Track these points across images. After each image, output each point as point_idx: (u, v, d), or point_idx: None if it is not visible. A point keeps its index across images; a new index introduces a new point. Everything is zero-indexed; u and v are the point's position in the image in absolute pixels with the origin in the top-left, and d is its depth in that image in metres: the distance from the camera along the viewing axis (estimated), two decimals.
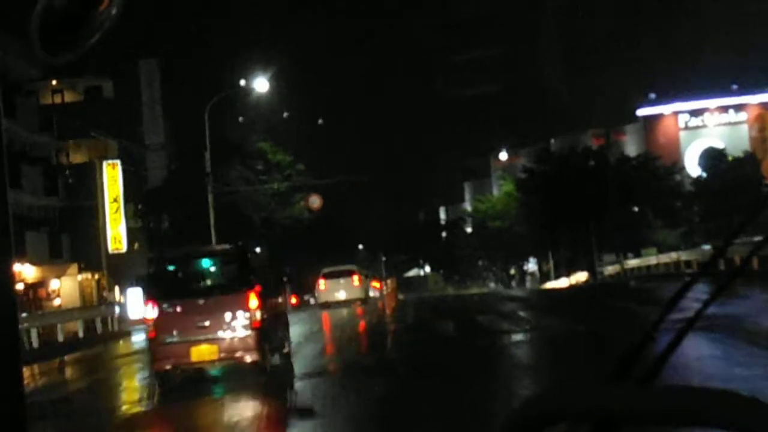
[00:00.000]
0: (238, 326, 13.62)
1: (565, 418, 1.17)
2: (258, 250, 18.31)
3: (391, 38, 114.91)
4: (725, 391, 1.06)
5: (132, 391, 16.07)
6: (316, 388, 12.66)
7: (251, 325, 13.55)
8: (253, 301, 13.63)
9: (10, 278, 1.50)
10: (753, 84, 74.65)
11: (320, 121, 40.36)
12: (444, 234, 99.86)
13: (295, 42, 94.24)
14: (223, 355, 13.68)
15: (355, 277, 38.66)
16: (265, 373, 13.68)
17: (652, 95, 79.09)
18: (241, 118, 44.77)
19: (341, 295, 37.29)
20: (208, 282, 14.79)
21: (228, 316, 13.65)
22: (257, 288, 13.81)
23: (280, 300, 16.78)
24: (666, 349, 1.33)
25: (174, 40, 36.11)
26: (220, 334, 13.67)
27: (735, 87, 77.38)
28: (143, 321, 15.75)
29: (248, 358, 13.62)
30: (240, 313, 13.63)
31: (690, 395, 1.09)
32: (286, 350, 15.55)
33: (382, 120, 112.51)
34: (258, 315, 13.61)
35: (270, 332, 14.17)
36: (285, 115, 45.42)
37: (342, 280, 37.85)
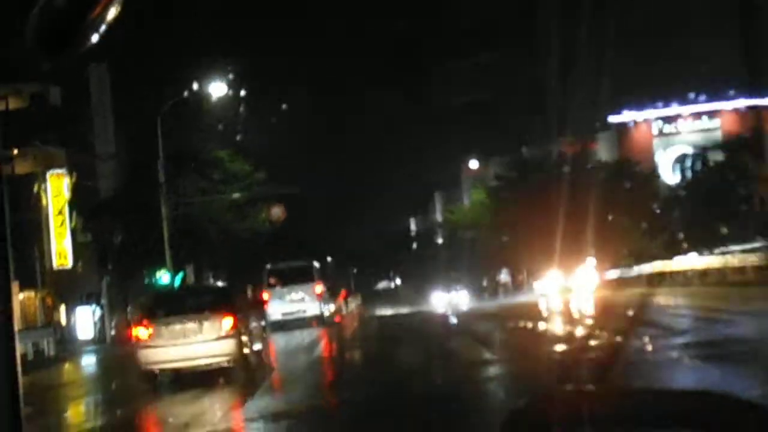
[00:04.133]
0: None
1: (562, 420, 1.23)
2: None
3: (357, 46, 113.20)
4: (713, 392, 1.18)
5: None
6: None
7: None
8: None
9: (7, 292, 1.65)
10: (727, 90, 73.64)
11: (284, 107, 38.52)
12: (414, 245, 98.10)
13: (259, 45, 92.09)
14: None
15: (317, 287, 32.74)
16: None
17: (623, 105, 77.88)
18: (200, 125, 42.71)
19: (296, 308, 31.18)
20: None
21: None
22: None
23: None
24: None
25: (126, 43, 33.89)
26: None
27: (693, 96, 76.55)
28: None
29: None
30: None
31: (684, 398, 1.17)
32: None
33: (349, 128, 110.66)
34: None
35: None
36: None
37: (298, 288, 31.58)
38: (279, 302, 30.85)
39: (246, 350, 17.55)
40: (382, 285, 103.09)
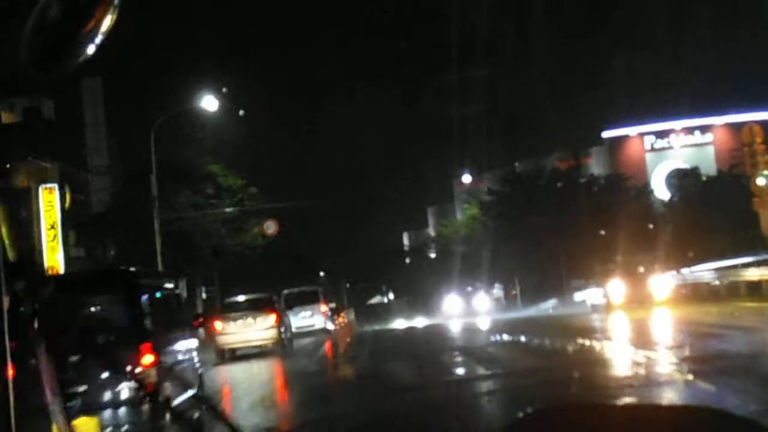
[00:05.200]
0: None
1: None
2: None
3: (350, 60, 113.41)
4: (707, 408, 1.21)
5: None
6: None
7: None
8: None
9: None
10: (719, 105, 73.79)
11: (241, 113, 37.90)
12: (408, 260, 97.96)
13: (250, 57, 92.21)
14: None
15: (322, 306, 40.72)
16: None
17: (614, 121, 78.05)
18: (190, 138, 42.64)
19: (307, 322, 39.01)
20: None
21: None
22: None
23: None
24: None
25: (119, 58, 33.90)
26: None
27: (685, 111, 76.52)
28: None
29: None
30: None
31: (676, 413, 1.22)
32: None
33: (342, 143, 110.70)
34: None
35: None
36: (240, 112, 42.80)
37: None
38: (294, 318, 36.95)
39: (281, 337, 29.34)
40: (375, 300, 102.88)
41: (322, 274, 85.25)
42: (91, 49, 1.59)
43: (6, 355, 1.62)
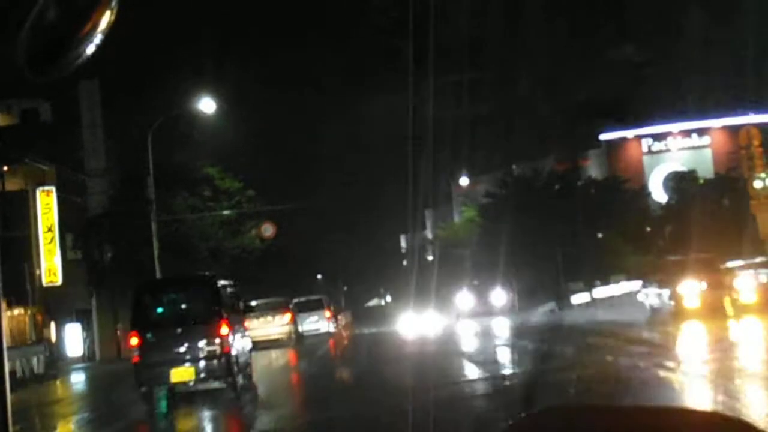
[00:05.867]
0: None
1: None
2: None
3: (347, 63, 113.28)
4: (701, 411, 1.16)
5: None
6: None
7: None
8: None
9: None
10: (716, 108, 73.75)
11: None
12: (405, 262, 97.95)
13: (249, 62, 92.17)
14: None
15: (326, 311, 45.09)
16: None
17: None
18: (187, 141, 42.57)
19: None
20: None
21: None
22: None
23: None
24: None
25: (117, 60, 33.84)
26: None
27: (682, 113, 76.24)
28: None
29: None
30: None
31: (669, 415, 1.17)
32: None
33: (339, 145, 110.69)
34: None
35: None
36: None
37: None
38: (302, 322, 42.10)
39: (295, 332, 37.47)
40: (372, 302, 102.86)
41: (319, 276, 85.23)
42: (89, 50, 1.59)
43: (4, 370, 1.63)
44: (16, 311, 37.63)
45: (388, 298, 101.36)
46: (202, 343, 17.65)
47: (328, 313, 44.86)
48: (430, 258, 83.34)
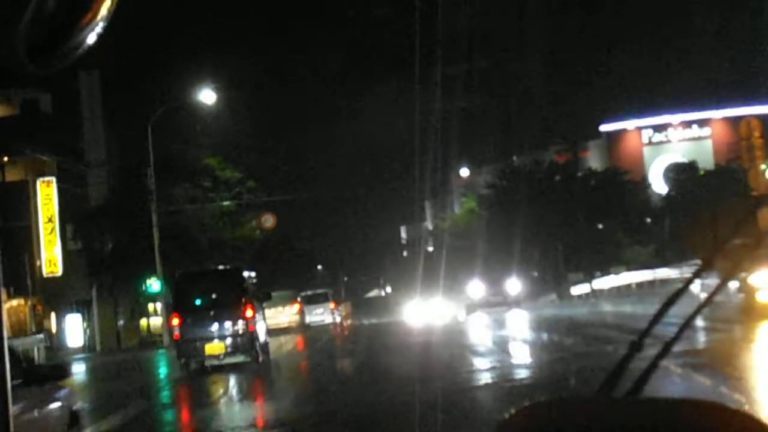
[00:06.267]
0: None
1: (557, 430, 1.25)
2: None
3: (347, 54, 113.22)
4: (702, 401, 1.16)
5: None
6: None
7: None
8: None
9: None
10: (717, 99, 73.68)
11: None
12: (405, 253, 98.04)
13: (249, 52, 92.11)
14: None
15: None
16: None
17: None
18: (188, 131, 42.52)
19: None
20: None
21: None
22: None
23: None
24: (651, 363, 1.41)
25: (117, 51, 33.80)
26: None
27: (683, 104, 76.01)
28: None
29: None
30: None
31: (671, 407, 1.17)
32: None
33: (339, 136, 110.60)
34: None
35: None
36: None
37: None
38: (309, 313, 45.63)
39: (302, 322, 41.95)
40: (372, 293, 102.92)
41: (319, 267, 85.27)
42: (90, 39, 1.57)
43: (5, 354, 1.62)
44: (16, 302, 37.66)
45: (388, 289, 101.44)
46: (230, 323, 21.91)
47: (332, 305, 49.06)
48: (431, 249, 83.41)
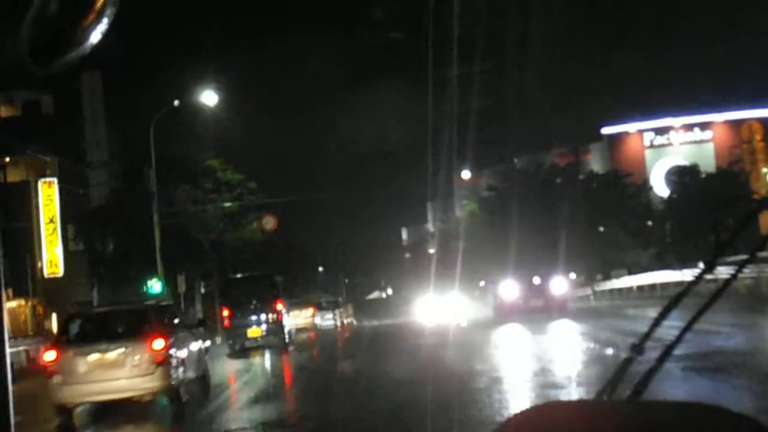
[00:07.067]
0: None
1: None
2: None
3: (350, 55, 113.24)
4: (706, 405, 1.14)
5: None
6: None
7: None
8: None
9: None
10: (719, 102, 73.67)
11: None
12: (407, 255, 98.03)
13: (251, 54, 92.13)
14: None
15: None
16: None
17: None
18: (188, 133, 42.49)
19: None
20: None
21: None
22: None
23: None
24: (652, 367, 1.42)
25: (118, 52, 33.85)
26: None
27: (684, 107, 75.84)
28: None
29: None
30: None
31: (674, 409, 1.16)
32: None
33: (340, 138, 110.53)
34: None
35: None
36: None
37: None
38: (321, 317, 49.67)
39: (314, 324, 45.00)
40: (373, 295, 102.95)
41: (320, 269, 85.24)
42: (94, 38, 1.59)
43: (6, 362, 1.63)
44: (16, 303, 37.67)
45: (389, 291, 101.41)
46: (265, 315, 29.83)
47: (341, 311, 55.00)
48: (432, 251, 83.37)
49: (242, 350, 29.36)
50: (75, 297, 41.53)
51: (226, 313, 30.39)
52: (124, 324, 15.36)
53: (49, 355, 14.76)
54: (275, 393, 16.99)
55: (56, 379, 14.34)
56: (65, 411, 14.72)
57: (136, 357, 14.19)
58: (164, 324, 15.46)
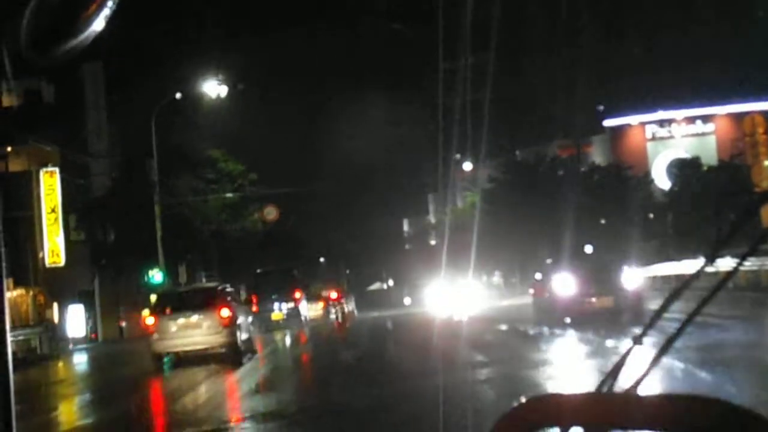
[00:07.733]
0: None
1: (556, 424, 1.25)
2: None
3: (350, 47, 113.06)
4: (705, 398, 1.15)
5: None
6: None
7: None
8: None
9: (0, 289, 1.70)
10: (721, 95, 73.51)
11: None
12: (407, 246, 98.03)
13: (255, 44, 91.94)
14: None
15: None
16: None
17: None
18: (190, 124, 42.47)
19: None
20: None
21: None
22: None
23: None
24: (652, 359, 1.41)
25: (121, 42, 33.81)
26: None
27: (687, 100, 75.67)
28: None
29: None
30: None
31: (673, 402, 1.16)
32: None
33: (341, 130, 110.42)
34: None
35: None
36: (239, 87, 41.30)
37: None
38: (330, 309, 53.03)
39: (324, 314, 46.87)
40: (374, 286, 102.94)
41: (322, 260, 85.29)
42: (96, 27, 1.58)
43: (7, 351, 1.63)
44: (17, 292, 37.69)
45: (390, 282, 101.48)
46: (286, 302, 38.37)
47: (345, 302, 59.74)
48: (433, 242, 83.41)
49: (267, 331, 34.45)
50: (77, 286, 41.59)
51: (254, 300, 36.17)
52: (201, 298, 21.04)
53: (150, 320, 20.88)
54: (296, 345, 28.98)
55: (155, 336, 20.35)
56: (159, 358, 20.55)
57: (209, 321, 20.06)
58: (227, 299, 21.30)
